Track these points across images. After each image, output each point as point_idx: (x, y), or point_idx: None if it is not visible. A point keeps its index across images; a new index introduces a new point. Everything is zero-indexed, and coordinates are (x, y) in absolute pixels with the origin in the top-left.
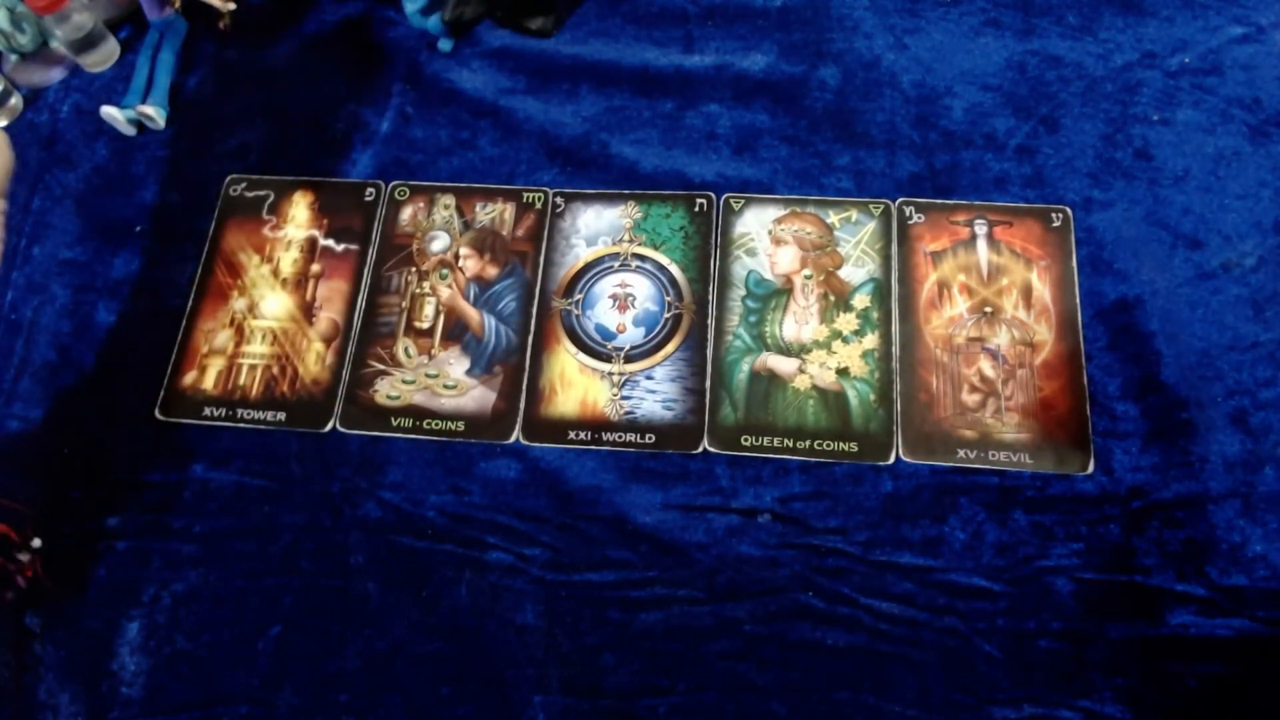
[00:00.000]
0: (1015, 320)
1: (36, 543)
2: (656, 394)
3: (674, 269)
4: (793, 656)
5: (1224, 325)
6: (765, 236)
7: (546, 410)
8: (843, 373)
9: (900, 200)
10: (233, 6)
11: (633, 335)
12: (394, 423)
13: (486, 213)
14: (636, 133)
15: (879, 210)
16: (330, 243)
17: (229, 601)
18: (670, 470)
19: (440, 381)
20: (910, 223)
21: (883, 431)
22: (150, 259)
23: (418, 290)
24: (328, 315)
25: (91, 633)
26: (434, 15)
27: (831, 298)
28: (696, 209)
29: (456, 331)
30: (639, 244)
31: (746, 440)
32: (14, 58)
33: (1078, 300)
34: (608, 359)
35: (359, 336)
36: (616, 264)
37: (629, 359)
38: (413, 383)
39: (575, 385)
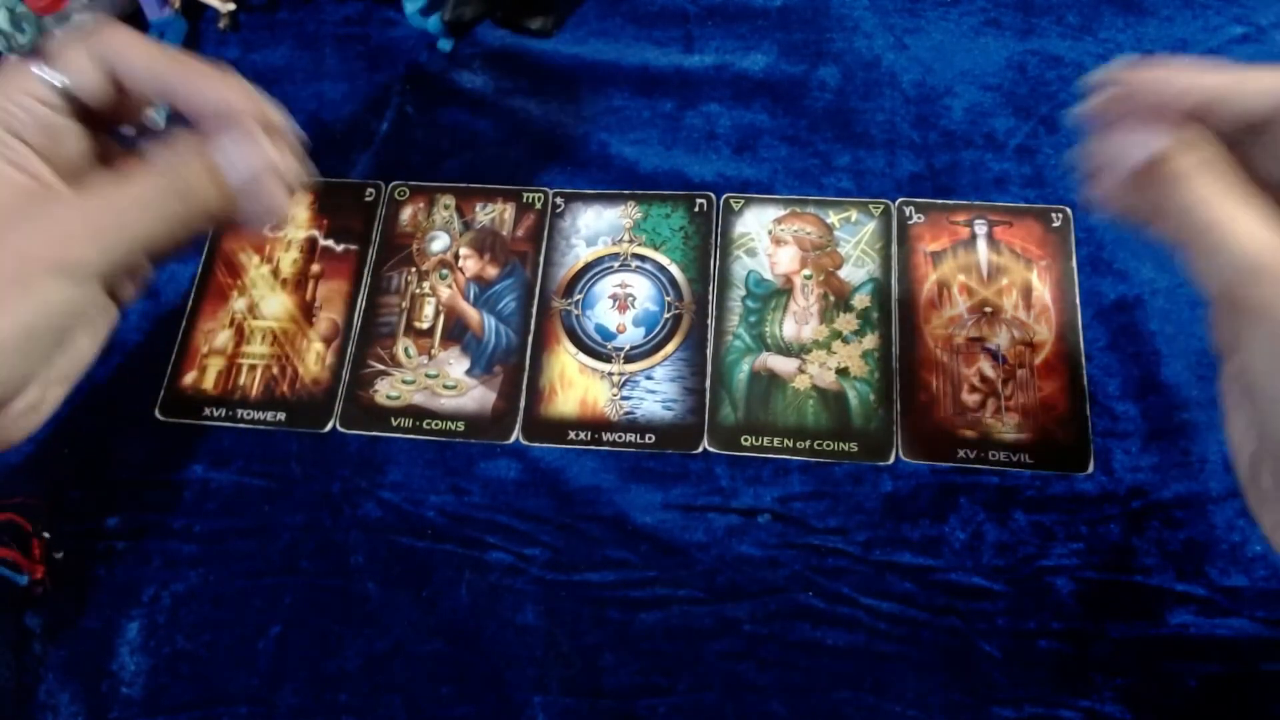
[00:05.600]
0: (1015, 320)
1: (45, 534)
2: (656, 394)
3: (674, 269)
4: (793, 656)
5: None
6: (765, 236)
7: (546, 410)
8: (843, 373)
9: (900, 200)
10: (232, 7)
11: (633, 335)
12: (394, 423)
13: (486, 213)
14: (636, 133)
15: (879, 210)
16: (330, 243)
17: (229, 601)
18: (670, 470)
19: (440, 381)
20: (910, 223)
21: (883, 431)
22: None
23: (418, 290)
24: (328, 315)
25: (91, 633)
26: (434, 15)
27: (831, 298)
28: (696, 209)
29: (456, 331)
30: (639, 244)
31: (746, 440)
32: (14, 58)
33: (1078, 300)
34: (608, 359)
35: (359, 337)
36: (616, 264)
37: (629, 359)
38: (413, 383)
39: (575, 385)
